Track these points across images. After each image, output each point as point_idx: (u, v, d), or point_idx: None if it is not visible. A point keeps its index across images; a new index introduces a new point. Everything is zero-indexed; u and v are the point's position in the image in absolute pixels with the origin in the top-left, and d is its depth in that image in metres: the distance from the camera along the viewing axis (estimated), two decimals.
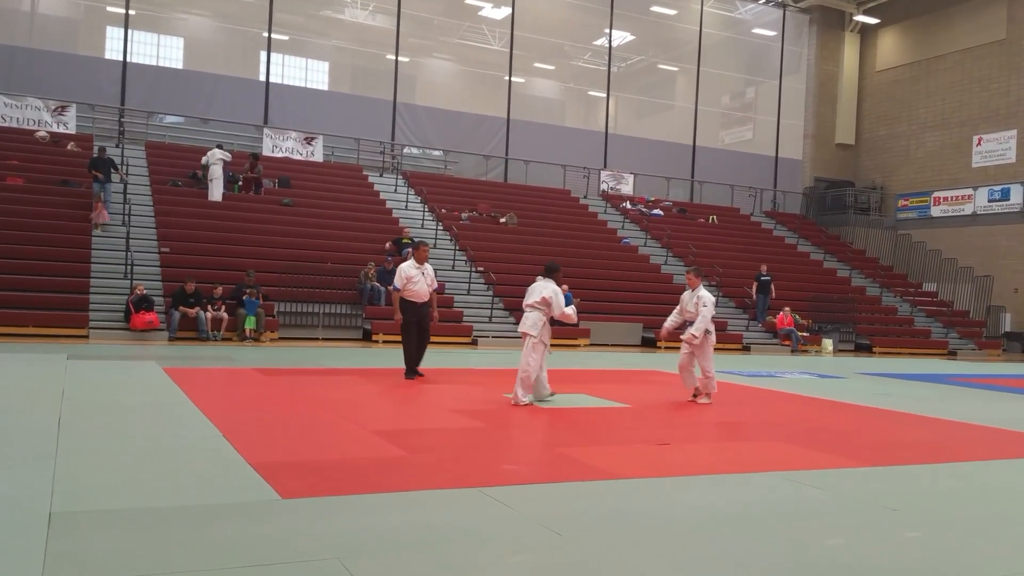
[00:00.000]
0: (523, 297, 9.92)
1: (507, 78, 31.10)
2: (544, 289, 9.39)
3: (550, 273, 9.64)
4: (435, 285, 11.69)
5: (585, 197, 30.24)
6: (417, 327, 11.42)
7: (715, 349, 9.76)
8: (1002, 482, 6.32)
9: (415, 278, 11.27)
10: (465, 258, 22.84)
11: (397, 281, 11.31)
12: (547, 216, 27.57)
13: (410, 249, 20.93)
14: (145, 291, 16.87)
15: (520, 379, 9.16)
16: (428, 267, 11.60)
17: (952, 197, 31.86)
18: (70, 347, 13.80)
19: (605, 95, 33.57)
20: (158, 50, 30.51)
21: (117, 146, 23.45)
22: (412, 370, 11.43)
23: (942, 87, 32.61)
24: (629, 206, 30.20)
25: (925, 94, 33.28)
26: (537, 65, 36.84)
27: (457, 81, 35.38)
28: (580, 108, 38.91)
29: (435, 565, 3.78)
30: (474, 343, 19.42)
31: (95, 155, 20.16)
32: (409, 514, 4.63)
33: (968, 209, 31.24)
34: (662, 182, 32.65)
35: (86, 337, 15.98)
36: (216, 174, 21.74)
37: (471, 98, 32.90)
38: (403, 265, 11.50)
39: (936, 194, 32.45)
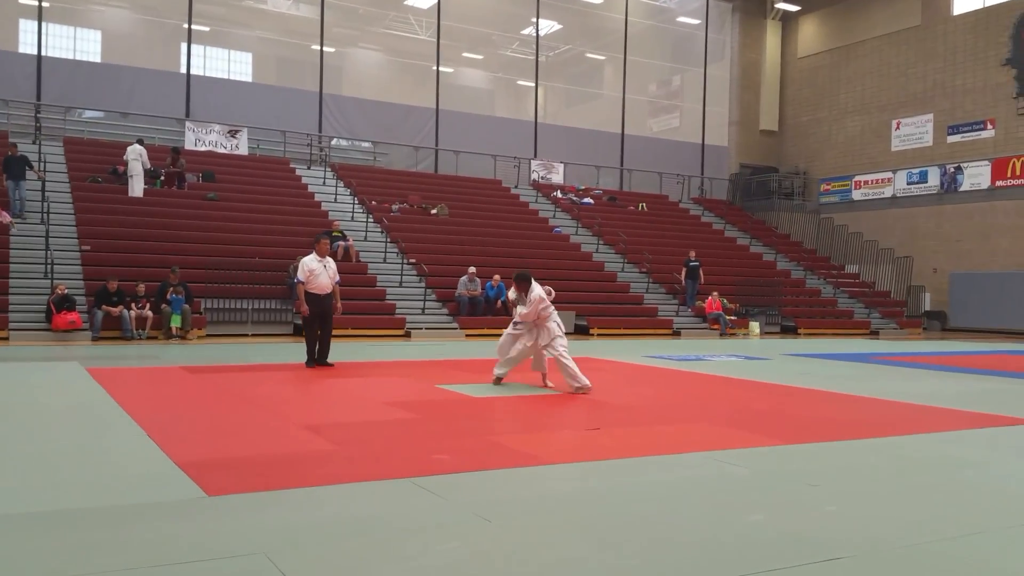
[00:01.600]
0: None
1: (435, 68, 30.96)
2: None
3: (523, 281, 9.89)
4: (337, 278, 12.05)
5: (516, 187, 30.32)
6: (321, 319, 11.86)
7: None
8: (918, 455, 6.53)
9: (316, 271, 11.70)
10: (397, 250, 22.72)
11: (300, 274, 11.80)
12: (478, 206, 27.57)
13: (340, 243, 20.87)
14: (66, 290, 16.44)
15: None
16: (330, 261, 12.06)
17: (872, 181, 32.73)
18: None
19: (534, 84, 33.65)
20: (75, 43, 29.68)
21: (34, 142, 22.77)
22: (314, 360, 11.90)
23: (861, 73, 33.43)
24: (560, 195, 30.37)
25: (845, 80, 34.08)
26: (465, 55, 36.78)
27: (384, 72, 35.11)
28: (509, 98, 38.95)
29: (363, 556, 3.78)
30: (407, 335, 19.35)
31: (8, 154, 19.54)
32: (338, 507, 4.62)
33: (888, 192, 32.11)
34: (592, 171, 32.89)
35: (6, 339, 15.53)
36: (136, 170, 21.25)
37: (399, 89, 32.71)
38: (305, 259, 11.92)
39: (857, 178, 33.29)
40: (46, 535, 3.98)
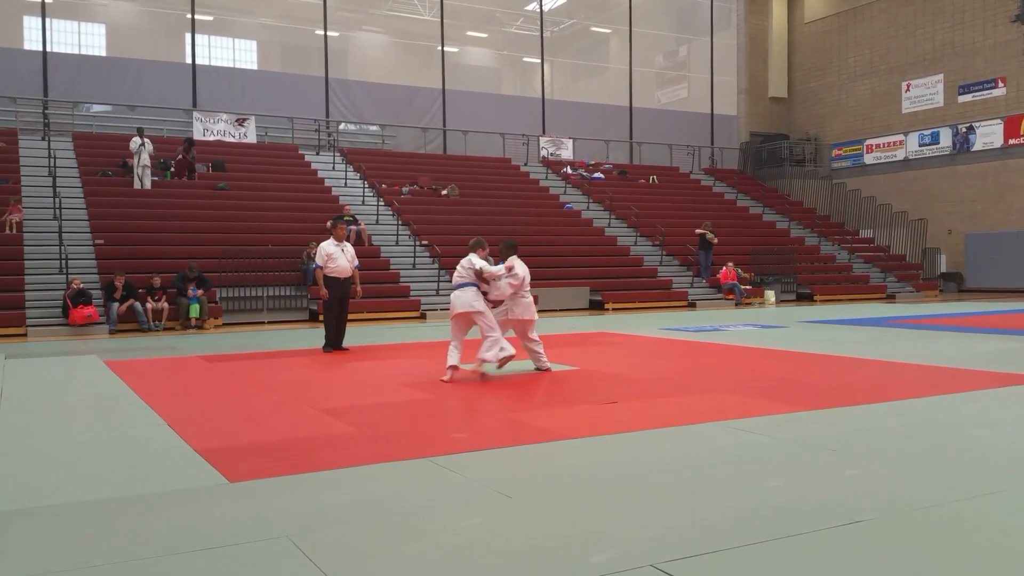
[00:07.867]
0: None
1: (440, 48, 30.83)
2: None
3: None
4: (356, 263, 12.14)
5: (525, 164, 30.22)
6: (339, 303, 11.97)
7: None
8: (935, 417, 6.52)
9: (335, 255, 11.82)
10: (408, 232, 22.73)
11: (318, 259, 11.92)
12: (488, 186, 27.52)
13: (352, 227, 20.88)
14: (82, 285, 16.52)
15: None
16: (348, 245, 12.18)
17: (884, 144, 32.45)
18: (8, 346, 13.50)
19: (540, 61, 33.46)
20: (79, 38, 29.71)
21: (43, 139, 22.85)
22: (332, 345, 12.00)
23: (869, 35, 33.08)
24: (570, 171, 30.26)
25: (853, 43, 33.73)
26: (469, 33, 36.57)
27: (389, 54, 34.99)
28: (515, 75, 38.75)
29: (386, 535, 3.81)
30: (422, 317, 19.39)
31: None
32: (359, 488, 4.65)
33: (900, 155, 31.85)
34: (601, 145, 32.73)
35: (24, 335, 15.64)
36: (137, 162, 21.25)
37: (404, 70, 32.59)
38: (323, 244, 12.03)
39: (868, 142, 33.02)
40: (72, 526, 4.03)
